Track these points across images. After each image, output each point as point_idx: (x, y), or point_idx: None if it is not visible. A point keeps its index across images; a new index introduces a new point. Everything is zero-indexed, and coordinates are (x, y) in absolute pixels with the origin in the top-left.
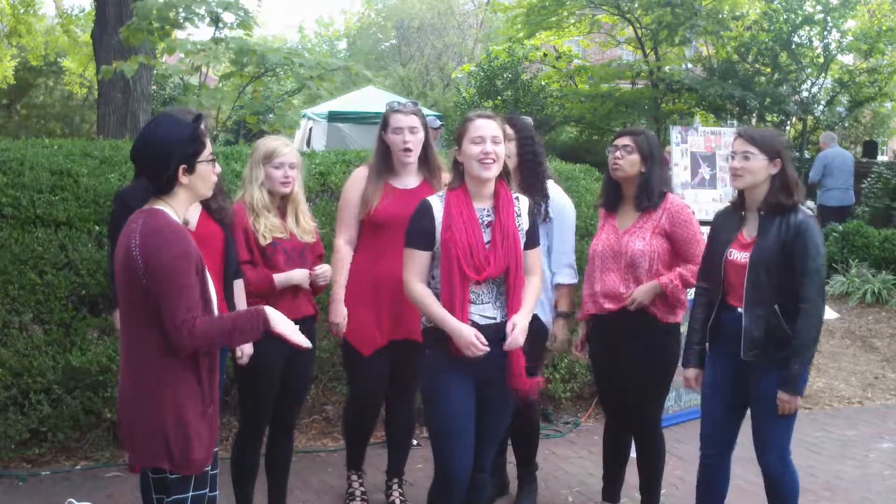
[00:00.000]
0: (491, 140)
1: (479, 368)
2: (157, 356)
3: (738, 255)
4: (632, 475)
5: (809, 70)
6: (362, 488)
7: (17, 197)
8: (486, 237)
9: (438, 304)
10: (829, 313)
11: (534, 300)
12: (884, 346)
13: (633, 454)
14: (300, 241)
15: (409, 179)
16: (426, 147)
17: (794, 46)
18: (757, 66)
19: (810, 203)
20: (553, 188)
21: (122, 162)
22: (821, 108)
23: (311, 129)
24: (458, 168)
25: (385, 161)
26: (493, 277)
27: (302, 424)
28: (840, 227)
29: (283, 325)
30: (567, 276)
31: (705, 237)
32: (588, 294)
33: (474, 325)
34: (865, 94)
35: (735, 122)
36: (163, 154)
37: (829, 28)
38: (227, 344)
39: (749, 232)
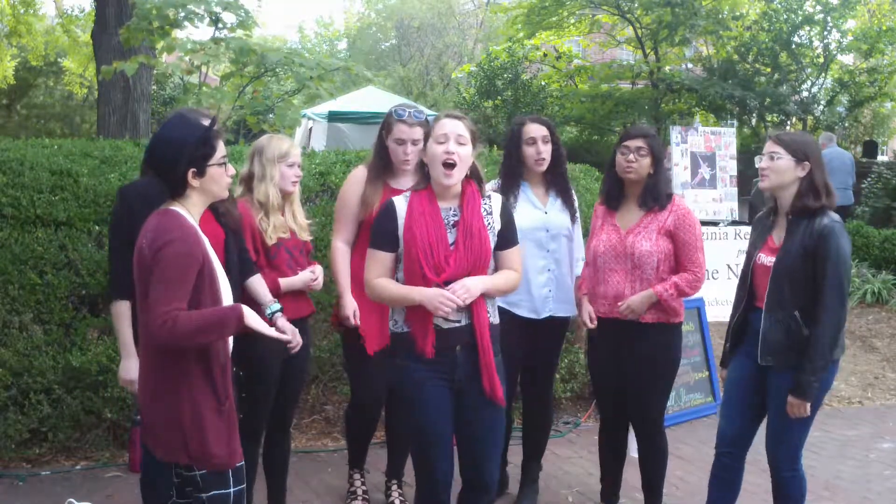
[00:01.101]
0: (455, 140)
1: (452, 372)
2: (173, 354)
3: (766, 259)
4: (631, 475)
5: (809, 70)
6: (364, 487)
7: (17, 197)
8: (452, 237)
9: (398, 283)
10: None
11: (501, 281)
12: (884, 346)
13: (632, 454)
14: (299, 240)
15: (407, 180)
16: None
17: (794, 46)
18: (757, 66)
19: None
20: None
21: (122, 162)
22: (821, 108)
23: (311, 129)
24: (423, 169)
25: (384, 160)
26: (453, 279)
27: (302, 424)
28: None
29: (257, 322)
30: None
31: (706, 240)
32: (591, 294)
33: (437, 328)
34: (865, 94)
35: (735, 122)
36: (171, 155)
37: (829, 28)
38: (204, 341)
39: (778, 236)
